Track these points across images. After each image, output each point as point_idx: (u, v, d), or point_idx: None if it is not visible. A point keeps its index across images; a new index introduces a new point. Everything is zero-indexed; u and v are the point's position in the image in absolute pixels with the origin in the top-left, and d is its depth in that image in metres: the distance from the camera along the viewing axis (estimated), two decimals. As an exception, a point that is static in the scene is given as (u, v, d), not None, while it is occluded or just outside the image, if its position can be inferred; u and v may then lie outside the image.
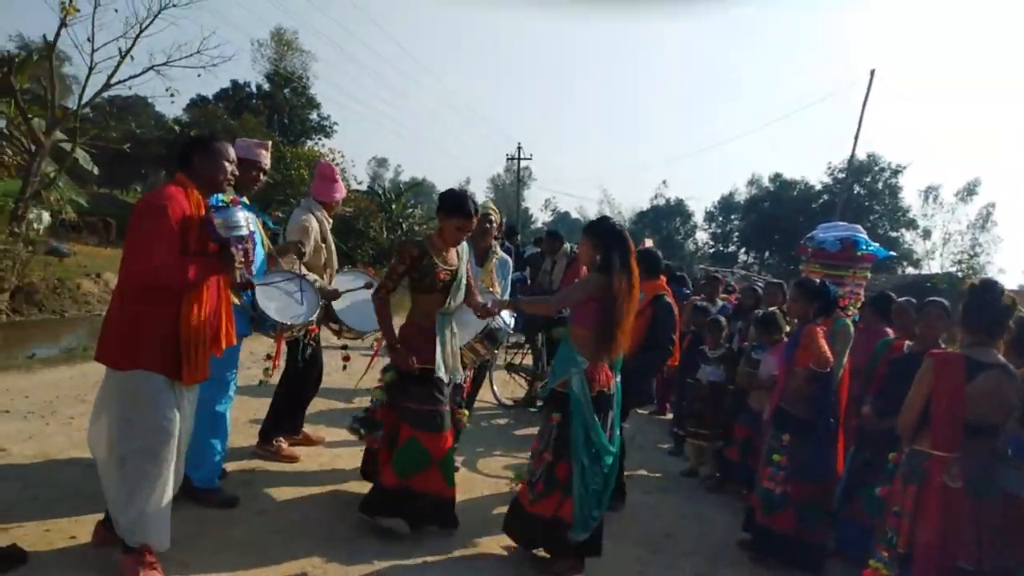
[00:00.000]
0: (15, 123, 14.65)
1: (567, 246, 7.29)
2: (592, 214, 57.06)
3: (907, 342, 4.38)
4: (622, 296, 3.51)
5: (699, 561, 4.07)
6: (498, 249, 4.95)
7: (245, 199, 4.09)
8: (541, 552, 3.70)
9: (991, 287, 2.99)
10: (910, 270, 39.04)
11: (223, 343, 3.23)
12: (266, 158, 4.15)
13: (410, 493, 3.66)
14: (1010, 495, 2.87)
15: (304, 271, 4.28)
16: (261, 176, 4.16)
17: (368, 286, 4.40)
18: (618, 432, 3.73)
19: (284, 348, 4.47)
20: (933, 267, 39.62)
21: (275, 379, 4.62)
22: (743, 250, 48.23)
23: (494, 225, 4.81)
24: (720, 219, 49.59)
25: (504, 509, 4.32)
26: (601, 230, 3.66)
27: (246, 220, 3.10)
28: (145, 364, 2.93)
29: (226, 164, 3.16)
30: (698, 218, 52.26)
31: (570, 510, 3.48)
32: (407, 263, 3.77)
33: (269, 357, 4.52)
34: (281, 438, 4.78)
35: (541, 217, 58.96)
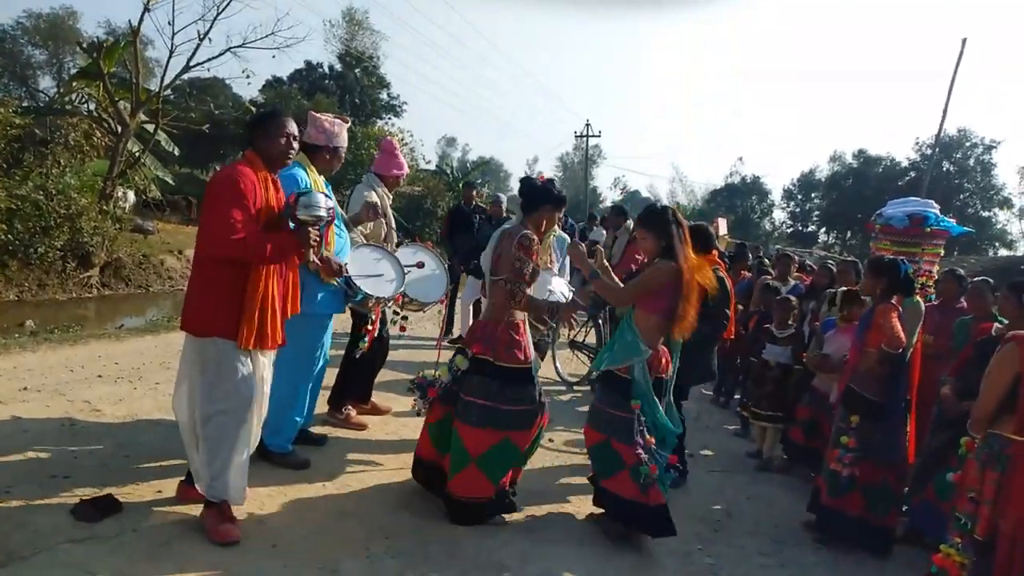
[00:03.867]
0: (103, 106, 15.45)
1: (629, 222, 7.24)
2: (664, 193, 56.04)
3: (996, 324, 4.16)
4: (691, 278, 3.54)
5: (762, 540, 4.04)
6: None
7: (323, 178, 4.24)
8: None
9: None
10: (1003, 252, 36.91)
11: (289, 309, 3.38)
12: (344, 139, 4.22)
13: (502, 492, 3.74)
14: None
15: (391, 246, 4.46)
16: (341, 157, 4.27)
17: (420, 265, 4.49)
18: (675, 412, 3.76)
19: (349, 319, 4.65)
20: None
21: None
22: (823, 230, 46.57)
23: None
24: (799, 197, 47.88)
25: (566, 481, 4.42)
26: (658, 220, 3.66)
27: (326, 204, 3.21)
28: (220, 331, 3.09)
29: (280, 139, 3.21)
30: (776, 196, 50.56)
31: (659, 494, 3.56)
32: (535, 257, 3.68)
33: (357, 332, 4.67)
34: (350, 407, 4.96)
35: (610, 196, 58.25)
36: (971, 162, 39.51)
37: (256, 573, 2.96)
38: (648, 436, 3.53)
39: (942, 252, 5.49)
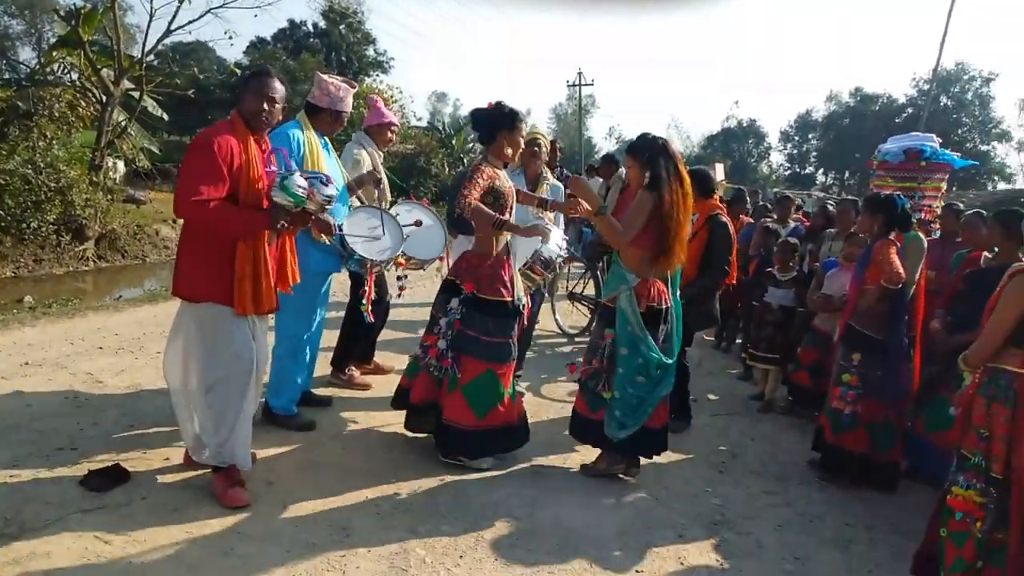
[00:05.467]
0: (86, 75, 15.14)
1: (621, 170, 7.16)
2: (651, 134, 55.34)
3: (985, 254, 4.14)
4: (676, 207, 3.51)
5: (768, 480, 4.08)
6: (549, 175, 4.91)
7: (326, 138, 4.17)
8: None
9: None
10: (1002, 185, 36.67)
11: (289, 279, 3.35)
12: (348, 104, 4.15)
13: (490, 430, 3.76)
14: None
15: (385, 205, 4.40)
16: (344, 120, 4.19)
17: (418, 223, 4.44)
18: (677, 345, 3.76)
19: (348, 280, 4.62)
20: (1029, 181, 37.06)
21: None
22: (821, 171, 46.22)
23: (543, 149, 4.77)
24: (796, 139, 47.42)
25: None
26: (643, 146, 3.60)
27: (305, 187, 3.10)
28: (214, 296, 3.06)
29: (258, 100, 3.10)
30: (773, 139, 50.03)
31: (602, 418, 3.68)
32: (486, 180, 3.66)
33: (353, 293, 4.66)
34: (353, 367, 4.96)
35: (605, 146, 57.58)
36: (969, 96, 39.02)
37: (268, 535, 2.99)
38: (603, 361, 3.64)
39: (943, 187, 5.41)
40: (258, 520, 3.10)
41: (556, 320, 7.18)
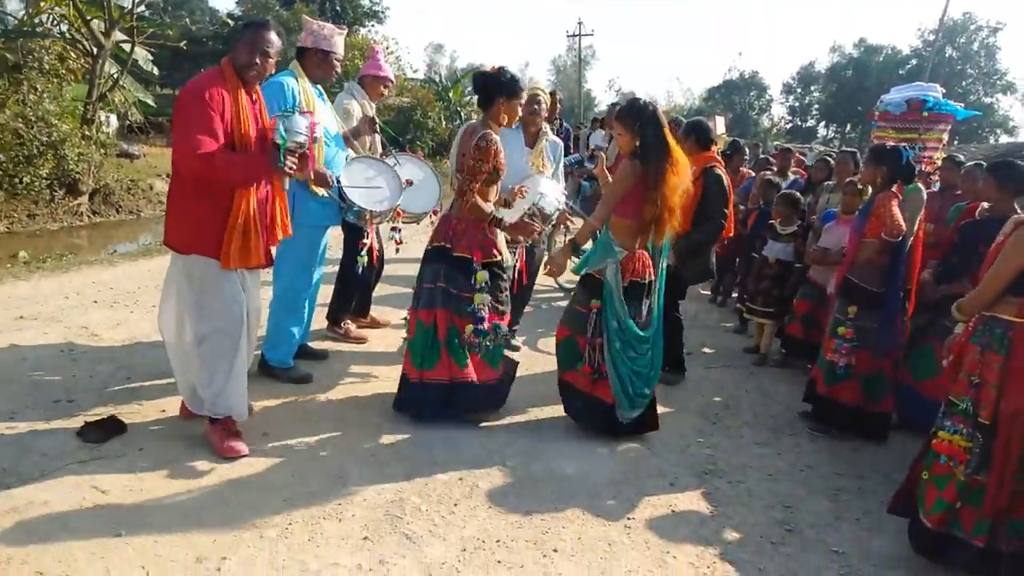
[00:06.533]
0: (76, 26, 14.80)
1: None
2: (660, 94, 54.65)
3: (982, 206, 4.11)
4: (665, 178, 3.46)
5: (760, 431, 4.12)
6: (548, 131, 4.83)
7: (320, 87, 4.09)
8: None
9: None
10: (1005, 138, 36.26)
11: (279, 233, 3.32)
12: (336, 45, 4.07)
13: (503, 380, 3.87)
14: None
15: (385, 155, 4.36)
16: (336, 65, 4.10)
17: (408, 183, 4.39)
18: (659, 319, 3.76)
19: (341, 233, 4.60)
20: (1033, 134, 36.62)
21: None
22: (823, 124, 45.67)
23: (543, 106, 4.67)
24: (799, 91, 46.69)
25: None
26: (634, 112, 3.52)
27: (307, 128, 3.07)
28: (204, 249, 3.04)
29: (248, 51, 3.01)
30: (775, 91, 49.29)
31: (608, 391, 3.66)
32: (492, 160, 3.58)
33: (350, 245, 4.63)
34: (349, 320, 4.97)
35: (605, 99, 56.74)
36: (975, 46, 38.30)
37: (265, 484, 3.03)
38: (599, 336, 3.62)
39: (945, 139, 5.33)
40: (255, 470, 3.13)
41: (553, 274, 7.15)
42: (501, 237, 3.84)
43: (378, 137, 4.72)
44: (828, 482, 3.57)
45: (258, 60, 3.05)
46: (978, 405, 2.71)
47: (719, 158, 4.88)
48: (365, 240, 4.41)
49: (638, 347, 3.67)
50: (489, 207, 3.65)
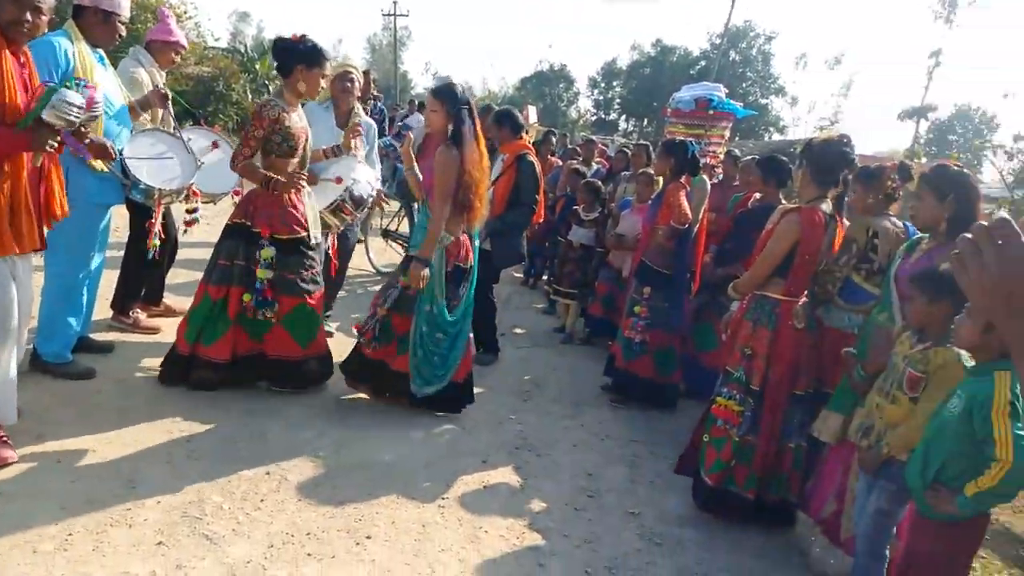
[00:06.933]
0: None
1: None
2: (476, 81, 55.30)
3: (755, 196, 4.63)
4: (475, 165, 3.57)
5: (565, 405, 4.36)
6: (361, 112, 4.71)
7: (101, 52, 3.66)
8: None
9: (834, 143, 3.15)
10: (776, 136, 40.88)
11: (56, 212, 2.97)
12: (119, 5, 3.63)
13: (312, 358, 3.79)
14: (832, 329, 3.18)
15: (177, 129, 4.00)
16: (120, 27, 3.68)
17: (215, 145, 4.15)
18: (471, 303, 3.86)
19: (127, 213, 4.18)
20: (798, 133, 41.60)
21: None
22: (623, 118, 48.62)
23: (355, 84, 4.54)
24: (602, 85, 49.35)
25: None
26: (451, 96, 3.58)
27: (83, 104, 2.74)
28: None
29: (26, 11, 2.65)
30: (582, 85, 51.70)
31: (405, 364, 3.71)
32: (266, 128, 3.52)
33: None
34: (138, 309, 4.55)
35: (421, 81, 56.34)
36: (753, 52, 42.68)
37: (38, 492, 2.71)
38: (385, 308, 3.67)
39: (727, 135, 5.92)
40: (27, 478, 2.79)
41: (369, 259, 7.04)
42: (310, 213, 3.74)
43: (171, 109, 4.34)
44: (626, 449, 3.87)
45: (28, 16, 2.68)
46: (750, 374, 3.08)
47: (531, 146, 5.06)
48: (154, 221, 4.05)
49: (447, 330, 3.73)
50: (262, 172, 3.57)
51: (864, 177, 3.22)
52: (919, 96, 44.22)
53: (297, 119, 3.66)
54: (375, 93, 8.95)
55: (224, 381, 3.69)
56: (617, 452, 3.82)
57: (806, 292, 3.14)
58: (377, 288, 6.51)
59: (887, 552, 2.51)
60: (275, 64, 3.67)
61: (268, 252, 3.59)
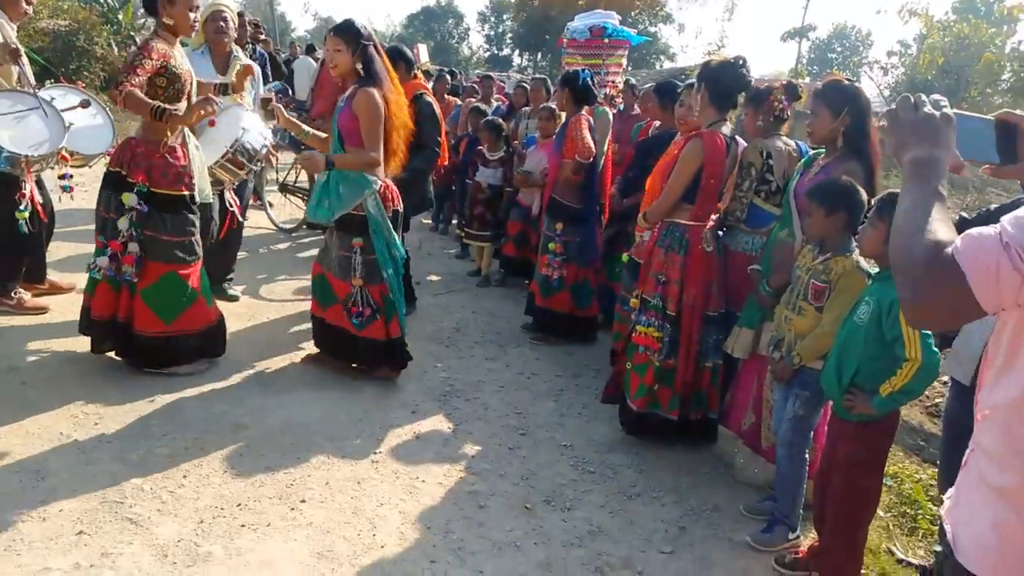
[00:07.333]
0: None
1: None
2: (360, 20, 53.02)
3: (655, 124, 4.67)
4: (397, 105, 3.43)
5: (489, 348, 4.38)
6: (240, 54, 4.41)
7: None
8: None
9: (730, 65, 3.19)
10: (668, 64, 41.43)
11: None
12: None
13: (182, 335, 3.47)
14: (737, 252, 3.29)
15: (35, 88, 3.61)
16: None
17: (85, 104, 3.80)
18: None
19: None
20: (688, 60, 42.32)
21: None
22: (516, 53, 47.98)
23: (229, 24, 4.21)
24: (492, 20, 48.37)
25: (296, 329, 4.29)
26: (354, 33, 3.40)
27: None
28: None
29: None
30: (471, 21, 50.51)
31: (397, 326, 3.59)
32: (155, 60, 3.17)
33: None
34: (20, 289, 4.19)
35: (302, 24, 53.58)
36: (641, -22, 42.70)
37: (-70, 498, 2.49)
38: (358, 277, 3.50)
39: (624, 63, 5.93)
40: (-86, 485, 2.56)
41: (269, 216, 6.72)
42: (195, 170, 3.46)
43: (27, 68, 3.92)
44: (550, 384, 3.94)
45: None
46: (666, 300, 3.15)
47: (427, 86, 4.90)
48: (24, 192, 3.70)
49: (400, 270, 3.65)
50: (147, 100, 3.16)
51: (753, 99, 3.29)
52: (799, 17, 45.75)
53: (181, 60, 3.36)
54: (263, 37, 8.37)
55: (103, 344, 3.47)
56: (543, 388, 3.88)
57: (713, 216, 3.23)
58: (281, 247, 6.29)
59: (807, 455, 2.67)
60: (141, 5, 3.34)
61: (130, 199, 3.24)
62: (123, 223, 3.26)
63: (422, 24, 49.06)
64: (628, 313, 3.64)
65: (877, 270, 2.36)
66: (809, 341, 2.56)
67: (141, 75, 3.15)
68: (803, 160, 3.06)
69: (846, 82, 2.93)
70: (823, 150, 2.95)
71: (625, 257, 3.95)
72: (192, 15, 3.31)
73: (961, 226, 1.20)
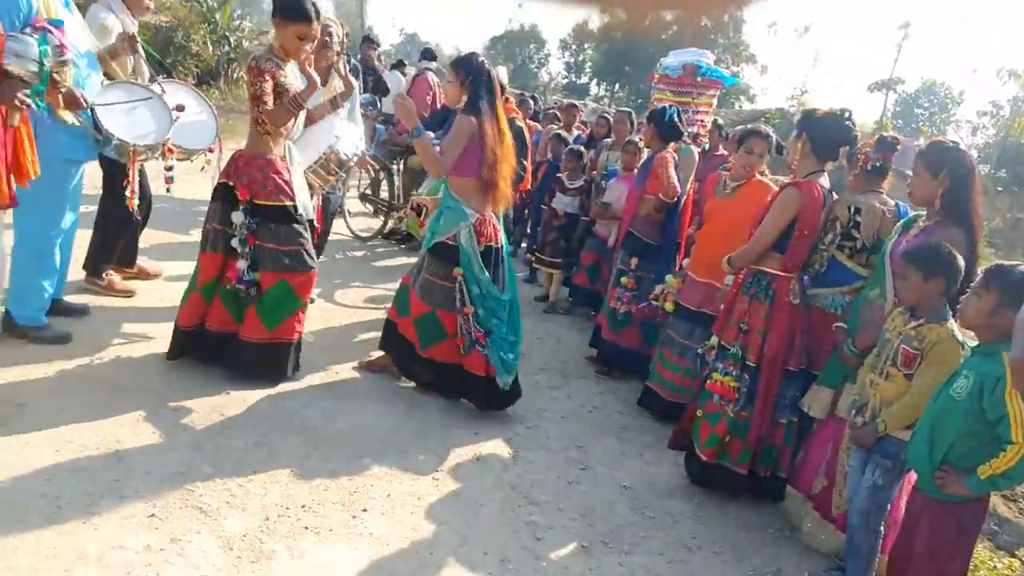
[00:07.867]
0: None
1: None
2: (445, 39, 54.15)
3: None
4: (493, 138, 3.42)
5: (552, 375, 4.36)
6: (343, 68, 4.53)
7: None
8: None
9: (836, 116, 3.13)
10: (747, 105, 41.01)
11: (27, 171, 2.82)
12: None
13: (279, 344, 3.51)
14: (816, 308, 3.19)
15: (153, 80, 3.80)
16: None
17: (180, 108, 3.95)
18: (513, 285, 3.69)
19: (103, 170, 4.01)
20: (768, 103, 41.82)
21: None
22: (595, 82, 48.24)
23: (335, 39, 4.35)
24: (573, 48, 48.79)
25: (365, 337, 4.36)
26: (469, 67, 3.47)
27: (52, 51, 2.58)
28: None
29: None
30: (552, 47, 51.05)
31: (478, 363, 3.53)
32: (269, 79, 3.27)
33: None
34: (112, 271, 4.38)
35: (389, 37, 54.93)
36: (725, 18, 42.51)
37: (22, 463, 2.60)
38: (467, 306, 3.48)
39: (714, 103, 5.89)
40: (7, 449, 2.68)
41: (347, 224, 6.88)
42: (296, 179, 3.53)
43: (143, 60, 4.13)
44: (613, 420, 3.89)
45: None
46: (746, 349, 3.08)
47: (518, 110, 4.95)
48: (130, 179, 3.87)
49: (499, 312, 3.55)
50: (288, 107, 3.32)
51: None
52: (886, 69, 44.75)
53: (292, 77, 3.46)
54: (374, 53, 8.62)
55: (184, 350, 3.51)
56: (605, 423, 3.84)
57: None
58: (356, 254, 6.43)
59: (882, 528, 2.56)
60: (273, 12, 3.45)
61: (238, 217, 3.33)
62: (235, 242, 3.35)
63: (504, 47, 49.83)
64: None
65: (977, 343, 2.26)
66: (897, 409, 2.47)
67: (268, 98, 3.27)
68: (903, 221, 2.97)
69: (948, 143, 2.84)
70: (923, 212, 2.86)
71: (671, 306, 3.90)
72: (304, 43, 3.36)
73: None
